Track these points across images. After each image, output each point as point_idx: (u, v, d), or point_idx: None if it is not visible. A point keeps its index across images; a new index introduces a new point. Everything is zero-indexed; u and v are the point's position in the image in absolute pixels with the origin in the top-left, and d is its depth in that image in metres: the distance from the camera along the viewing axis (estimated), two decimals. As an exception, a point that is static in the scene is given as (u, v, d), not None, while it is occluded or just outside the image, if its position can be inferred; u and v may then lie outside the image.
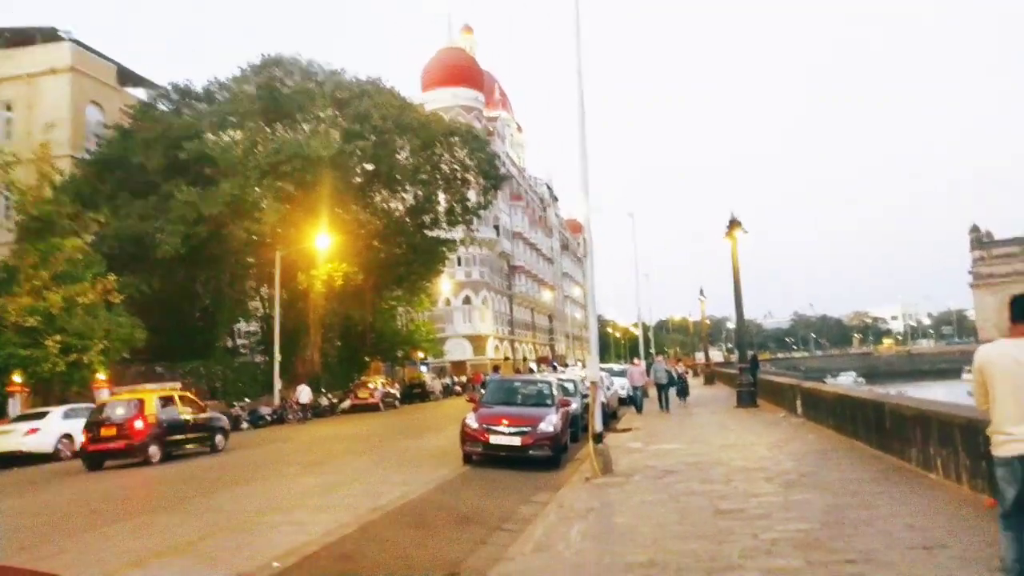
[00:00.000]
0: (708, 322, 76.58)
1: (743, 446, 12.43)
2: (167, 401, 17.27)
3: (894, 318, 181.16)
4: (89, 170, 33.95)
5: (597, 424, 10.52)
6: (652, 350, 62.56)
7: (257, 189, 31.28)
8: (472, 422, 12.72)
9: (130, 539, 7.98)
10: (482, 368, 56.95)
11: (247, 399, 32.29)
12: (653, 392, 23.58)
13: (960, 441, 7.25)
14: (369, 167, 37.96)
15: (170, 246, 30.15)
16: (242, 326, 48.87)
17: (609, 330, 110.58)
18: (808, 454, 10.98)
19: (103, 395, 27.33)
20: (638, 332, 52.36)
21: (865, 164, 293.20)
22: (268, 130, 35.01)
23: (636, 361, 27.21)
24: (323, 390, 36.62)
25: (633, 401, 22.00)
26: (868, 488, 7.85)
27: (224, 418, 20.72)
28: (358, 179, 37.76)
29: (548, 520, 7.67)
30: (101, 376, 27.65)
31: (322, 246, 34.32)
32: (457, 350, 66.84)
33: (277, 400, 33.14)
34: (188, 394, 19.51)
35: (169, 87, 38.35)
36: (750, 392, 20.65)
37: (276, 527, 8.18)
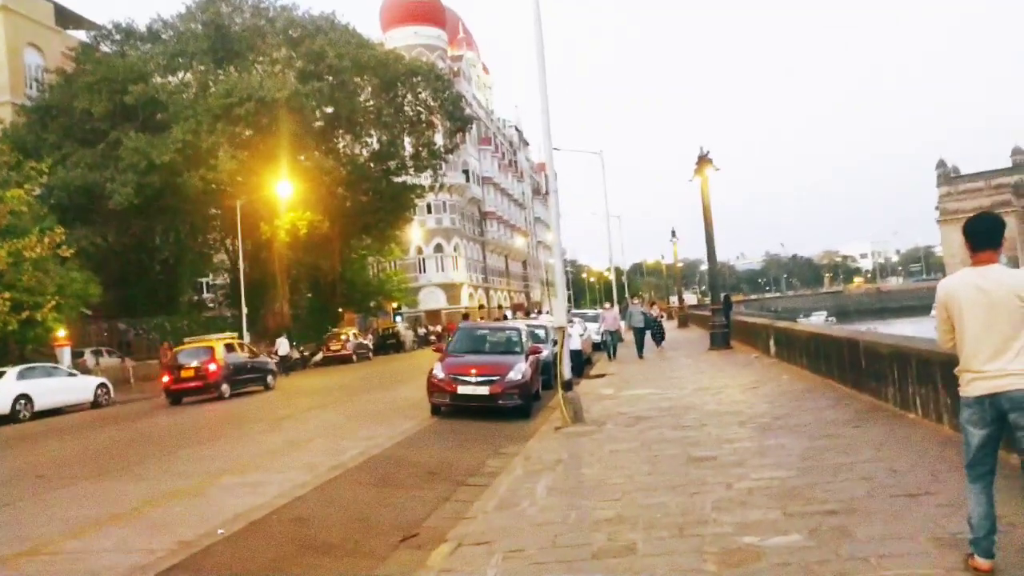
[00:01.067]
0: (681, 265, 76.76)
1: (717, 389, 12.20)
2: (230, 347, 20.64)
3: (863, 256, 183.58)
4: (31, 118, 32.39)
5: (566, 371, 10.15)
6: (627, 294, 62.65)
7: (211, 136, 29.98)
8: (439, 372, 12.31)
9: (73, 506, 7.49)
10: (457, 317, 56.61)
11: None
12: (628, 337, 23.18)
13: (940, 379, 6.97)
14: (328, 110, 36.68)
15: (122, 196, 29.02)
16: (209, 280, 47.88)
17: (584, 275, 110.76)
18: (782, 395, 10.76)
19: (64, 354, 26.58)
20: (611, 276, 52.12)
21: (834, 100, 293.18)
22: (219, 71, 33.49)
23: (607, 305, 26.55)
24: (294, 343, 36.01)
25: (606, 347, 21.55)
26: (845, 430, 7.60)
27: (271, 361, 23.68)
28: (318, 123, 36.51)
29: (514, 474, 7.32)
30: (61, 333, 26.79)
31: (284, 194, 33.26)
32: (431, 299, 66.29)
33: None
34: (243, 342, 22.56)
35: (111, 26, 36.41)
36: (723, 334, 20.50)
37: (230, 489, 7.74)
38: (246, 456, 9.76)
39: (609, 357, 20.74)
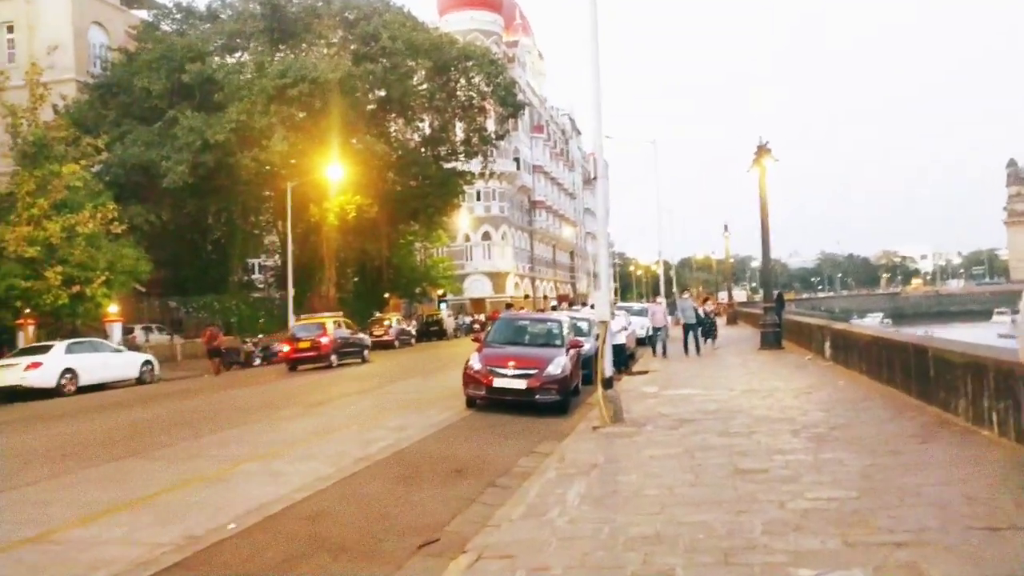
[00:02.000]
0: (732, 261, 74.94)
1: (767, 392, 11.51)
2: (337, 325, 24.27)
3: (923, 257, 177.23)
4: (93, 95, 33.02)
5: (607, 368, 9.62)
6: (675, 289, 61.35)
7: (264, 117, 30.10)
8: (475, 363, 11.91)
9: (92, 489, 7.32)
10: (502, 306, 56.31)
11: (261, 335, 31.89)
12: (674, 332, 22.26)
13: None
14: (381, 93, 36.54)
15: (176, 175, 29.34)
16: (260, 261, 48.51)
17: (631, 268, 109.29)
18: (839, 403, 10.05)
19: (115, 329, 27.11)
20: (659, 270, 51.05)
21: (900, 94, 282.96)
22: (274, 51, 33.63)
23: (656, 299, 25.36)
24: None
25: (652, 343, 20.67)
26: (911, 446, 6.92)
27: (367, 338, 27.29)
28: (370, 106, 36.40)
29: (546, 477, 6.86)
30: (112, 309, 27.31)
31: (334, 177, 33.26)
32: (476, 287, 66.10)
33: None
34: (347, 320, 26.32)
35: (172, 6, 36.90)
36: (775, 333, 19.63)
37: (251, 478, 7.49)
38: (274, 443, 9.52)
39: (654, 353, 19.96)
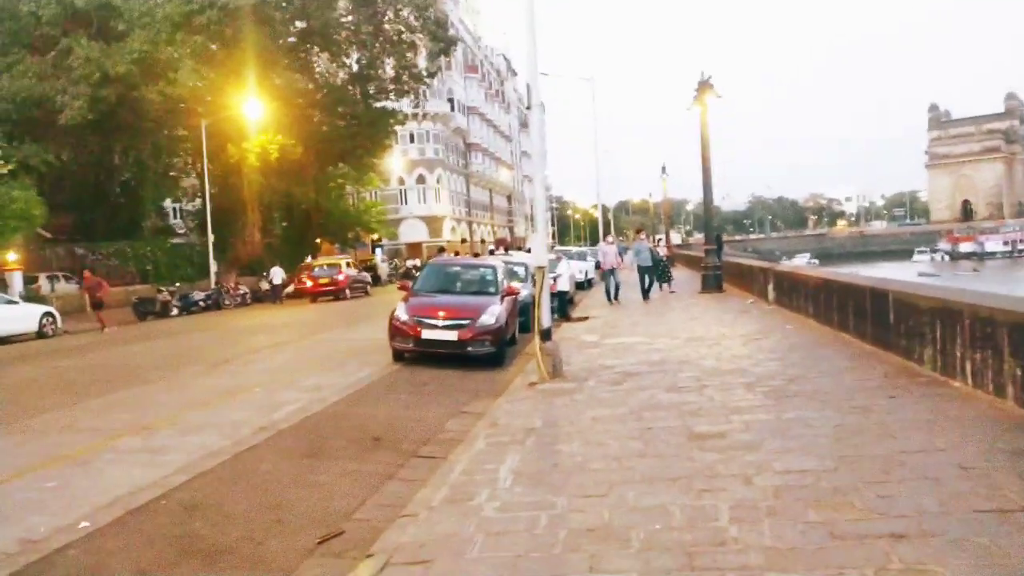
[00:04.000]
0: (670, 202, 74.99)
1: (714, 340, 10.84)
2: (348, 265, 31.80)
3: (848, 200, 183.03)
4: (-28, 20, 29.62)
5: (544, 318, 8.71)
6: (612, 231, 60.99)
7: (170, 47, 27.54)
8: (402, 314, 10.84)
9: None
10: (432, 250, 54.93)
11: (178, 283, 29.87)
12: (623, 276, 20.74)
13: (1008, 344, 5.59)
14: (301, 25, 34.05)
15: (74, 111, 26.75)
16: (181, 205, 45.62)
17: (569, 212, 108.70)
18: (791, 350, 9.42)
19: (15, 279, 24.88)
20: (598, 213, 50.45)
21: (827, 43, 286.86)
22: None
23: (608, 239, 22.24)
24: (265, 273, 34.25)
25: (606, 289, 18.71)
26: (880, 401, 6.24)
27: (368, 276, 34.48)
28: (290, 38, 33.88)
29: (475, 448, 5.93)
30: (12, 257, 25.05)
31: (253, 115, 31.03)
32: (412, 232, 64.36)
33: (214, 283, 30.92)
34: (352, 262, 34.49)
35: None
36: (716, 276, 19.11)
37: (125, 457, 6.32)
38: (165, 409, 8.31)
39: (609, 300, 18.27)
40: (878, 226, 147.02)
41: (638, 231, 22.75)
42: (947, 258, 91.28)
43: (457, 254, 34.41)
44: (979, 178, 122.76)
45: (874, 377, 7.25)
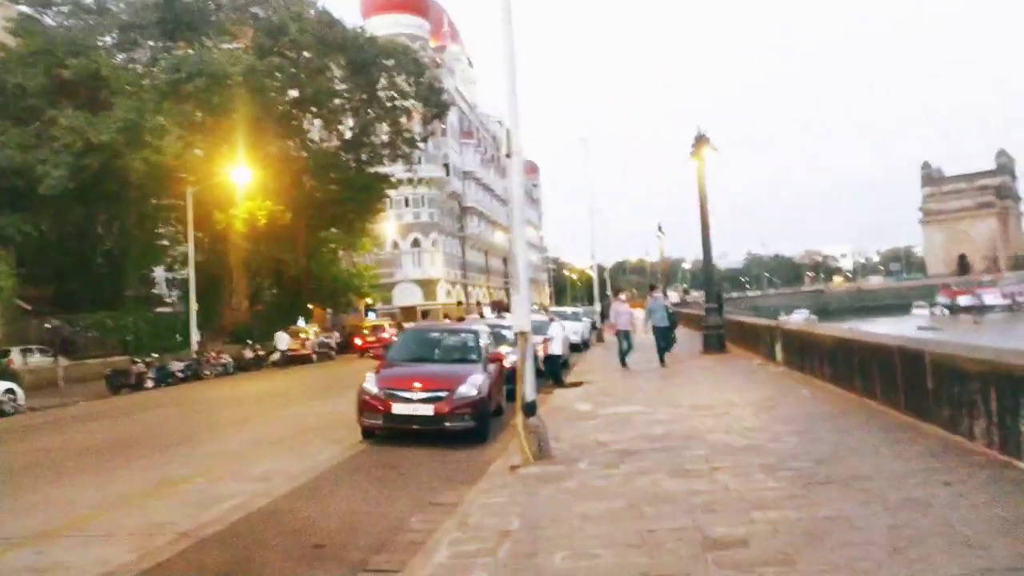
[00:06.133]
0: (667, 261, 74.45)
1: (721, 408, 9.67)
2: (391, 325, 35.93)
3: (844, 255, 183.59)
4: (-39, 96, 29.26)
5: (528, 391, 7.56)
6: (608, 292, 60.08)
7: (157, 115, 27.08)
8: (371, 386, 9.69)
9: None
10: (434, 314, 53.94)
11: (157, 354, 28.65)
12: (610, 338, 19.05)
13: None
14: (294, 93, 33.83)
15: (55, 179, 26.07)
16: (172, 274, 44.79)
17: (566, 272, 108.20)
18: (812, 421, 8.25)
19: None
20: (594, 272, 49.61)
21: (819, 100, 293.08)
22: (169, 44, 30.57)
23: (622, 296, 19.66)
24: (249, 342, 33.11)
25: (620, 353, 16.66)
26: (936, 491, 5.06)
27: (331, 340, 35.59)
28: (281, 107, 33.59)
29: (434, 560, 4.73)
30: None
31: (241, 181, 30.43)
32: (407, 295, 63.51)
33: (194, 353, 29.71)
34: (318, 328, 38.01)
35: (55, -4, 33.33)
36: (718, 336, 17.99)
37: (5, 576, 5.10)
38: (82, 507, 7.04)
39: (623, 364, 16.37)
40: (875, 281, 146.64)
41: (652, 288, 20.11)
42: (946, 312, 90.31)
43: (447, 317, 33.61)
44: (974, 232, 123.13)
45: (918, 457, 6.08)
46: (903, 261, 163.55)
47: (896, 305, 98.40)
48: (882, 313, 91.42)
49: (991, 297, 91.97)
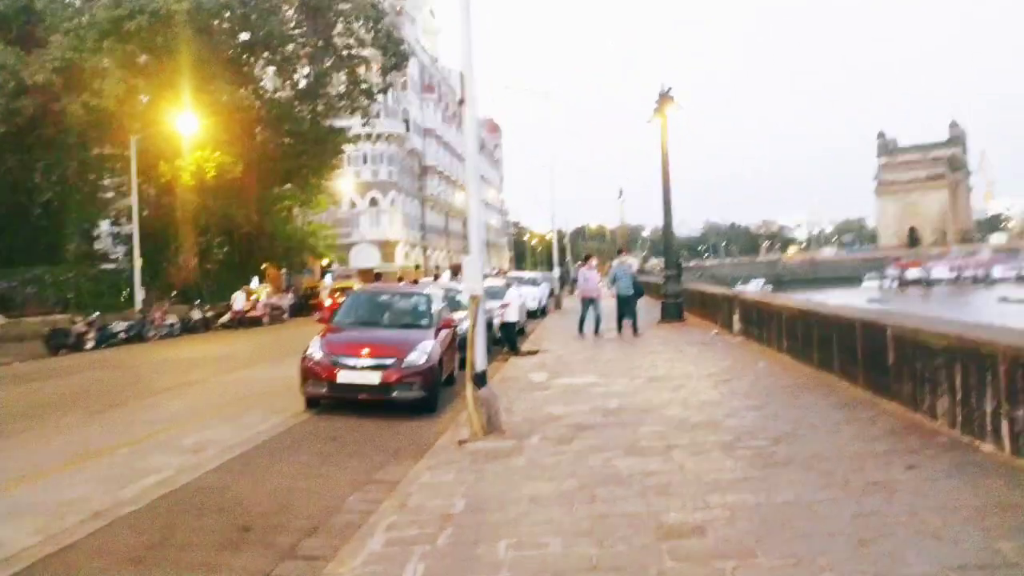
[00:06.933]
0: (626, 228, 74.51)
1: (678, 380, 9.44)
2: (268, 294, 33.51)
3: (799, 226, 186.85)
4: None
5: (479, 359, 7.17)
6: (568, 258, 59.89)
7: (96, 56, 25.55)
8: (315, 352, 9.21)
9: None
10: (391, 276, 53.15)
11: (98, 312, 27.49)
12: (571, 304, 18.85)
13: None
14: (244, 37, 32.27)
15: (-14, 122, 24.54)
16: (118, 228, 43.00)
17: (526, 237, 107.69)
18: (770, 395, 8.05)
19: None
20: (553, 237, 49.25)
21: (779, 70, 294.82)
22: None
23: (593, 262, 18.60)
24: (198, 301, 32.02)
25: (581, 319, 16.18)
26: (899, 476, 4.84)
27: (283, 302, 34.82)
28: (231, 50, 32.03)
29: (367, 548, 4.34)
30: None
31: (188, 130, 29.06)
32: (364, 257, 62.35)
33: (138, 312, 28.61)
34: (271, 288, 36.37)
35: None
36: (676, 305, 17.83)
37: None
38: (-6, 479, 6.50)
39: (581, 332, 15.96)
40: (828, 252, 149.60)
41: (620, 252, 18.95)
42: (895, 284, 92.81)
43: (401, 280, 32.91)
44: (925, 205, 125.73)
45: (879, 436, 5.88)
46: (856, 233, 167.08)
47: (848, 277, 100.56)
48: (835, 284, 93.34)
49: (939, 271, 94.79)
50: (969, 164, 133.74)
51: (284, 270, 47.26)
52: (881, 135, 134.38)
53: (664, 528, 4.25)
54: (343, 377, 8.88)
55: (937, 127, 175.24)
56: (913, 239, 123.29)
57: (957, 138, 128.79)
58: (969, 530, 3.82)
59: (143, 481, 6.18)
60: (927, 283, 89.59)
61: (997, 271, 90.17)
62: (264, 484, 6.25)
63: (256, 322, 30.77)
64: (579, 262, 21.63)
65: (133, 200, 29.42)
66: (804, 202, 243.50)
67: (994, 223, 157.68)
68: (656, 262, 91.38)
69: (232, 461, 6.92)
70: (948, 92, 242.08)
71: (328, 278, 50.08)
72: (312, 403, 9.34)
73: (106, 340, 24.49)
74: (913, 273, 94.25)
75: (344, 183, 56.67)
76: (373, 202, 63.39)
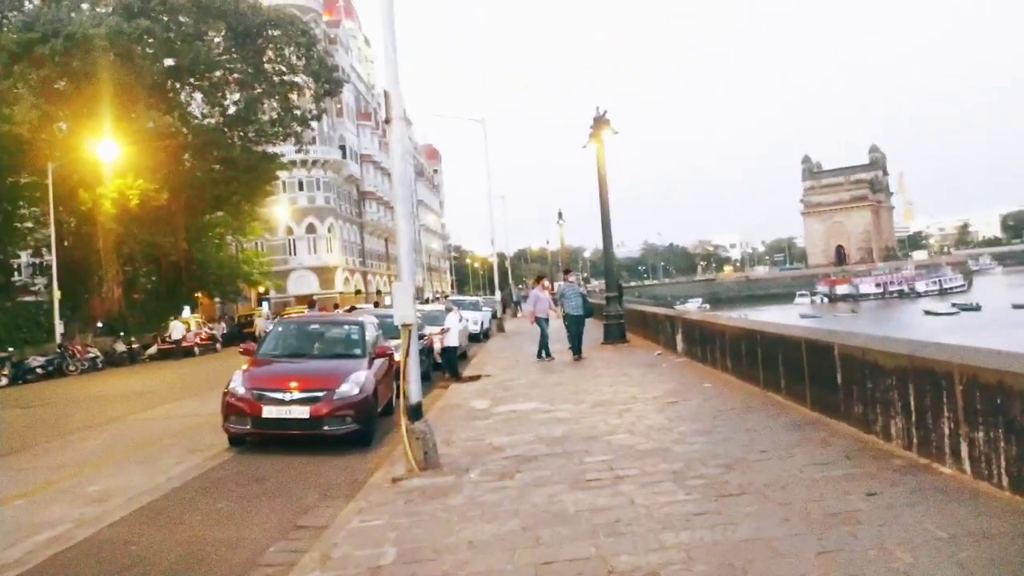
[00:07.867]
0: (568, 249, 74.89)
1: (624, 404, 9.12)
2: (199, 323, 33.44)
3: (732, 246, 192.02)
4: None
5: (413, 391, 6.68)
6: (510, 280, 59.76)
7: (7, 81, 24.26)
8: (238, 386, 8.56)
9: None
10: (329, 302, 51.87)
11: (13, 348, 25.79)
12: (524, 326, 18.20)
13: (1030, 423, 4.05)
14: (170, 62, 31.22)
15: None
16: (39, 260, 40.73)
17: (468, 261, 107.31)
18: (717, 418, 7.78)
19: None
20: (494, 260, 49.01)
21: (715, 95, 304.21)
22: (24, 3, 27.53)
23: (545, 284, 17.95)
24: (122, 334, 30.45)
25: (543, 344, 15.58)
26: (860, 504, 4.56)
27: (215, 331, 33.82)
28: (155, 76, 30.91)
29: (282, 614, 3.81)
30: None
31: (109, 158, 27.83)
32: (302, 284, 60.89)
33: (57, 346, 26.98)
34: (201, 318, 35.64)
35: None
36: (619, 325, 17.64)
37: None
38: None
39: (541, 355, 15.48)
40: (761, 271, 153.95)
41: (567, 272, 18.86)
42: (826, 300, 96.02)
43: (336, 307, 31.98)
44: (850, 225, 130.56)
45: (834, 459, 5.64)
46: (787, 252, 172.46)
47: (782, 294, 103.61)
48: (769, 301, 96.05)
49: (866, 286, 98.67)
50: (890, 186, 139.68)
51: (217, 299, 45.67)
52: (806, 159, 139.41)
53: (613, 571, 3.85)
54: (269, 412, 8.26)
55: (859, 148, 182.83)
56: (840, 257, 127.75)
57: (877, 161, 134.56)
58: (944, 566, 3.54)
59: (35, 537, 5.49)
60: (855, 298, 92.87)
61: (920, 285, 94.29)
62: (174, 536, 5.61)
63: (188, 352, 29.49)
64: (532, 282, 21.13)
65: (51, 230, 27.90)
66: (736, 222, 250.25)
67: (915, 240, 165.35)
68: (597, 283, 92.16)
69: (139, 511, 6.25)
70: (867, 116, 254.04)
71: (265, 306, 48.61)
72: (236, 441, 8.67)
73: (22, 376, 23.09)
74: (842, 289, 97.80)
75: (280, 210, 55.39)
76: (310, 228, 62.14)
